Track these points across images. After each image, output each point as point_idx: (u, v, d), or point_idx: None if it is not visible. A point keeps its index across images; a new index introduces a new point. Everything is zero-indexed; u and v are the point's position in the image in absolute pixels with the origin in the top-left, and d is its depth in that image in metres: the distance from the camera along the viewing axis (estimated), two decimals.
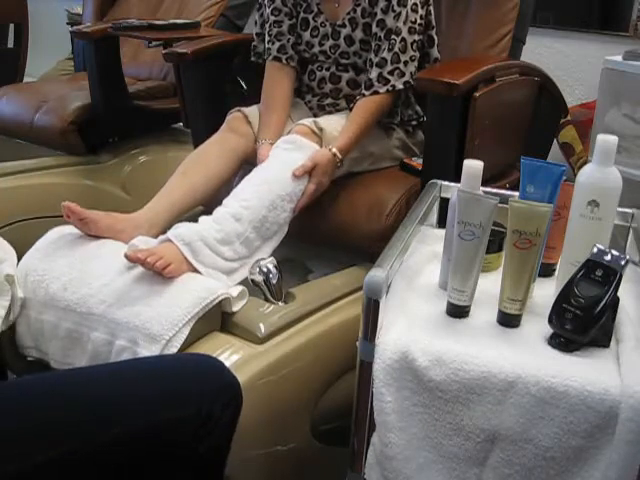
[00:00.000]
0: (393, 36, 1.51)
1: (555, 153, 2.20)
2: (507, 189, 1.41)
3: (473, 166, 1.02)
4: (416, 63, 1.55)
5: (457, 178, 1.07)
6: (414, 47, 1.53)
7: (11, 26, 2.78)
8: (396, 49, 1.51)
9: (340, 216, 1.51)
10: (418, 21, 1.53)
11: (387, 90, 1.52)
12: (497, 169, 1.57)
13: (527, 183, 1.02)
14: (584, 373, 0.86)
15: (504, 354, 0.90)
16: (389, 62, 1.51)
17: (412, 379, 0.91)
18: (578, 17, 2.58)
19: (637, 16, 2.39)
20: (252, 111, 1.61)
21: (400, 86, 1.52)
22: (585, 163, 1.08)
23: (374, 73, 1.52)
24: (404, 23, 1.51)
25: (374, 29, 1.54)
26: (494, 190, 1.19)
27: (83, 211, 1.32)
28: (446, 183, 1.25)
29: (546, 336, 0.93)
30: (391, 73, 1.51)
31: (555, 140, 2.21)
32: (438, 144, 1.45)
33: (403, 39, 1.51)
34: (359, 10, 1.57)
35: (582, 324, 0.90)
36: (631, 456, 0.83)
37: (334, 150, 1.45)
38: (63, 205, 1.31)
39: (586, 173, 1.00)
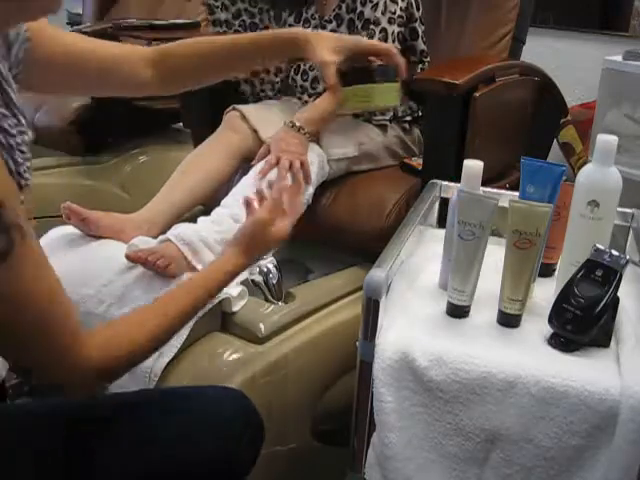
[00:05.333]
0: (372, 26, 1.51)
1: (555, 153, 2.20)
2: (507, 189, 1.41)
3: (473, 166, 1.02)
4: None
5: (457, 178, 1.06)
6: (394, 38, 1.53)
7: None
8: (376, 39, 1.50)
9: (340, 216, 1.51)
10: (398, 12, 1.53)
11: None
12: (497, 169, 1.57)
13: (527, 183, 1.02)
14: (584, 373, 0.86)
15: (504, 354, 0.90)
16: None
17: (412, 379, 0.91)
18: (578, 17, 2.58)
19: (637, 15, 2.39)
20: (248, 108, 1.61)
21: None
22: (585, 163, 1.08)
23: None
24: (382, 13, 1.51)
25: (356, 22, 1.55)
26: (494, 190, 1.19)
27: (83, 211, 1.32)
28: (446, 183, 1.25)
29: (546, 336, 0.93)
30: None
31: (555, 140, 2.21)
32: (438, 144, 1.45)
33: (383, 29, 1.51)
34: (344, 6, 1.58)
35: (582, 324, 0.90)
36: (631, 456, 0.83)
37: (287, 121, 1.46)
38: (63, 206, 1.30)
39: (586, 173, 1.00)
